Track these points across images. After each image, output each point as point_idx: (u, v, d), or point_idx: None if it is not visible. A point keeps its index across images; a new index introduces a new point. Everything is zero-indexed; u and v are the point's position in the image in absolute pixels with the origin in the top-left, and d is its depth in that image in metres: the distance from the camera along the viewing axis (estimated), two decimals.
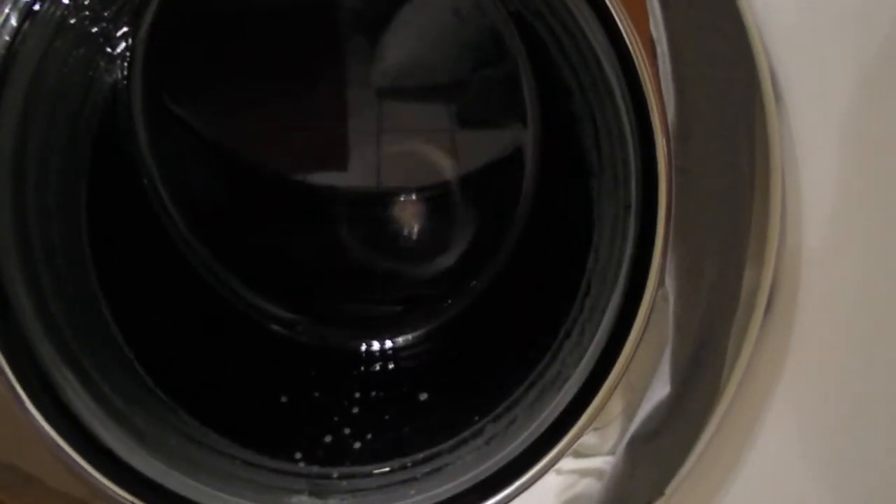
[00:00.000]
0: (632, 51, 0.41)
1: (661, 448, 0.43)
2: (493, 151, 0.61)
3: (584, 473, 0.44)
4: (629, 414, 0.43)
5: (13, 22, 0.42)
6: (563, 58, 0.48)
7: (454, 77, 0.62)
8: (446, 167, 0.64)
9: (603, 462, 0.43)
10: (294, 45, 0.61)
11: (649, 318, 0.42)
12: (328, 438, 0.51)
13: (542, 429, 0.44)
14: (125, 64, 0.55)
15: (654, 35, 0.40)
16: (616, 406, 0.43)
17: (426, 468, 0.48)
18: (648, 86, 0.40)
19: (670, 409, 0.43)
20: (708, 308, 0.42)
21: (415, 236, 0.64)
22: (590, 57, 0.44)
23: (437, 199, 0.64)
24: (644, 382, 0.43)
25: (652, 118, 0.41)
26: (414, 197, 0.64)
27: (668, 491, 0.44)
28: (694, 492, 0.45)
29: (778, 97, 0.41)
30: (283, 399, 0.53)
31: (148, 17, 0.54)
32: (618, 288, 0.43)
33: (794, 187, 0.42)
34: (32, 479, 0.44)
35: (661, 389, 0.43)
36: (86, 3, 0.47)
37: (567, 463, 0.43)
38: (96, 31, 0.50)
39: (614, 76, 0.42)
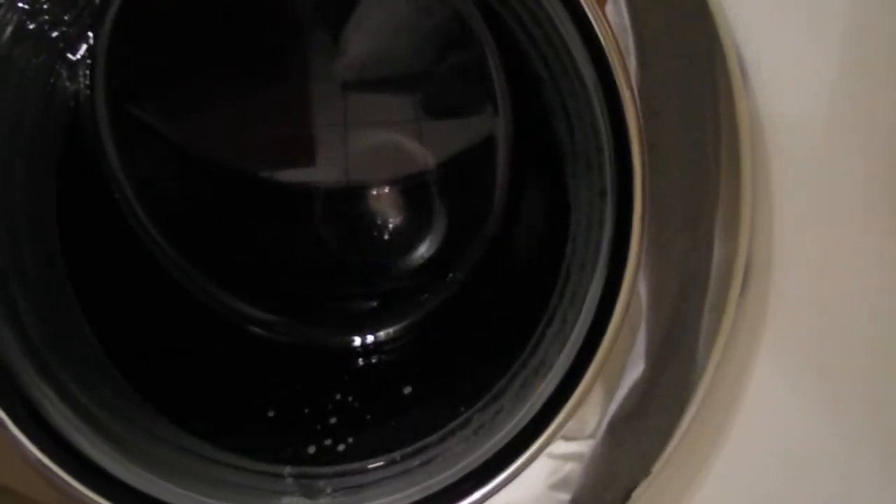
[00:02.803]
0: (602, 40, 0.41)
1: (640, 427, 0.44)
2: (465, 141, 0.61)
3: (567, 458, 0.44)
4: (608, 396, 0.43)
5: None
6: (532, 47, 0.48)
7: (422, 67, 0.62)
8: (418, 158, 0.64)
9: (584, 445, 0.44)
10: (257, 43, 0.60)
11: (630, 302, 0.43)
12: (312, 449, 0.51)
13: (529, 417, 0.44)
14: (87, 72, 0.54)
15: (614, 9, 0.41)
16: (594, 389, 0.43)
17: (416, 461, 0.49)
18: (620, 75, 0.41)
19: (646, 389, 0.43)
20: (680, 285, 0.43)
21: (390, 229, 0.64)
22: (559, 46, 0.44)
23: (410, 190, 0.63)
24: (620, 363, 0.43)
25: (625, 108, 0.41)
26: (387, 190, 0.64)
27: (654, 470, 0.44)
28: (680, 469, 0.46)
29: (744, 72, 0.42)
30: (270, 413, 0.53)
31: (109, 19, 0.53)
32: (597, 274, 0.44)
33: (763, 162, 0.43)
34: (5, 490, 0.44)
35: (637, 369, 0.43)
36: (45, 6, 0.46)
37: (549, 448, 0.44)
38: (56, 36, 0.49)
39: (585, 65, 0.42)
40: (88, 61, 0.53)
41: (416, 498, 0.45)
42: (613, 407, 0.44)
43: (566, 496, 0.44)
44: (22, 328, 0.45)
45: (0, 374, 0.43)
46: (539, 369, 0.47)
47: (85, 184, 0.56)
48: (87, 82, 0.54)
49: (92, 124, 0.55)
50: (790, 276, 0.44)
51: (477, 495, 0.44)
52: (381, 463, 0.50)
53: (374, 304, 0.63)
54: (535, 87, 0.50)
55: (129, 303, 0.56)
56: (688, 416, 0.44)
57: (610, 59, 0.41)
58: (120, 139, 0.57)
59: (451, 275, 0.61)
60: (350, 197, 0.64)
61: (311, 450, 0.51)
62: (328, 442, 0.52)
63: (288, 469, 0.49)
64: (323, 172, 0.64)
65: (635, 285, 0.43)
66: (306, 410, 0.54)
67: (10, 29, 0.44)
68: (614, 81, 0.41)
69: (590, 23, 0.41)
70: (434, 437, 0.49)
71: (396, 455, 0.50)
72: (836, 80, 0.42)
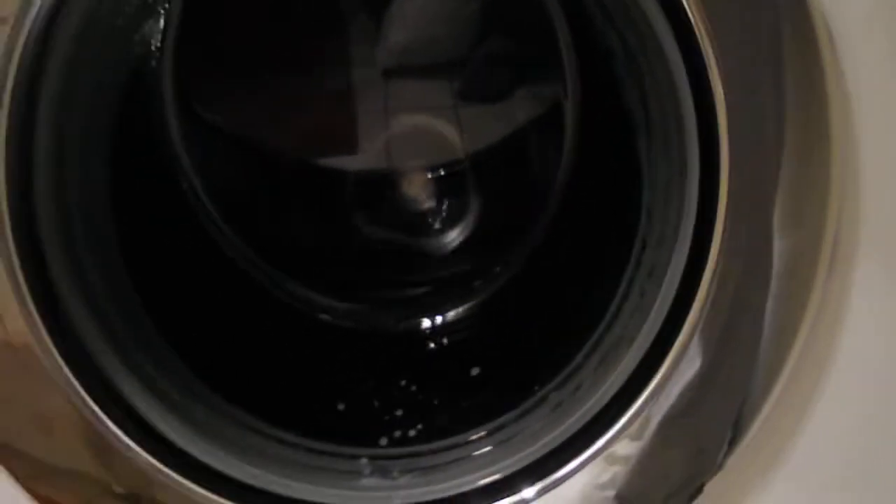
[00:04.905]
0: (687, 8, 0.40)
1: (695, 425, 0.42)
2: (524, 120, 0.60)
3: (613, 460, 0.42)
4: (654, 393, 0.42)
5: None
6: (605, 17, 0.47)
7: (489, 46, 0.61)
8: (458, 144, 0.63)
9: (632, 447, 0.42)
10: (302, 30, 0.60)
11: (716, 274, 0.42)
12: (384, 441, 0.50)
13: (613, 391, 0.43)
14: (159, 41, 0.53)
15: None
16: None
17: (493, 441, 0.48)
18: (707, 47, 0.40)
19: (701, 385, 0.41)
20: (742, 277, 0.41)
21: (458, 213, 0.63)
22: (637, 17, 0.43)
23: (465, 175, 0.63)
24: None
25: (711, 79, 0.40)
26: (440, 173, 0.63)
27: (726, 464, 0.42)
28: (751, 464, 0.44)
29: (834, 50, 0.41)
30: (340, 407, 0.52)
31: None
32: (678, 249, 0.43)
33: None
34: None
35: (690, 365, 0.41)
36: None
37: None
38: None
39: (666, 35, 0.41)
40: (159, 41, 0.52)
41: (499, 476, 0.45)
42: (666, 404, 0.42)
43: (611, 492, 0.43)
44: (96, 306, 0.44)
45: (80, 354, 0.42)
46: (618, 344, 0.46)
47: (149, 169, 0.56)
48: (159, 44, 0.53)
49: (158, 105, 0.54)
50: (875, 268, 0.42)
51: (564, 471, 0.43)
52: (457, 443, 0.49)
53: (437, 288, 0.62)
54: (606, 59, 0.49)
55: (192, 293, 0.55)
56: (765, 410, 0.42)
57: (696, 29, 0.40)
58: (183, 124, 0.56)
59: (518, 251, 0.60)
60: (401, 184, 0.64)
61: (383, 441, 0.50)
62: (397, 434, 0.51)
63: (363, 456, 0.49)
64: (382, 158, 0.64)
65: (720, 259, 0.42)
66: (375, 403, 0.53)
67: None
68: (700, 51, 0.40)
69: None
70: (511, 416, 0.49)
71: (472, 435, 0.49)
72: None
